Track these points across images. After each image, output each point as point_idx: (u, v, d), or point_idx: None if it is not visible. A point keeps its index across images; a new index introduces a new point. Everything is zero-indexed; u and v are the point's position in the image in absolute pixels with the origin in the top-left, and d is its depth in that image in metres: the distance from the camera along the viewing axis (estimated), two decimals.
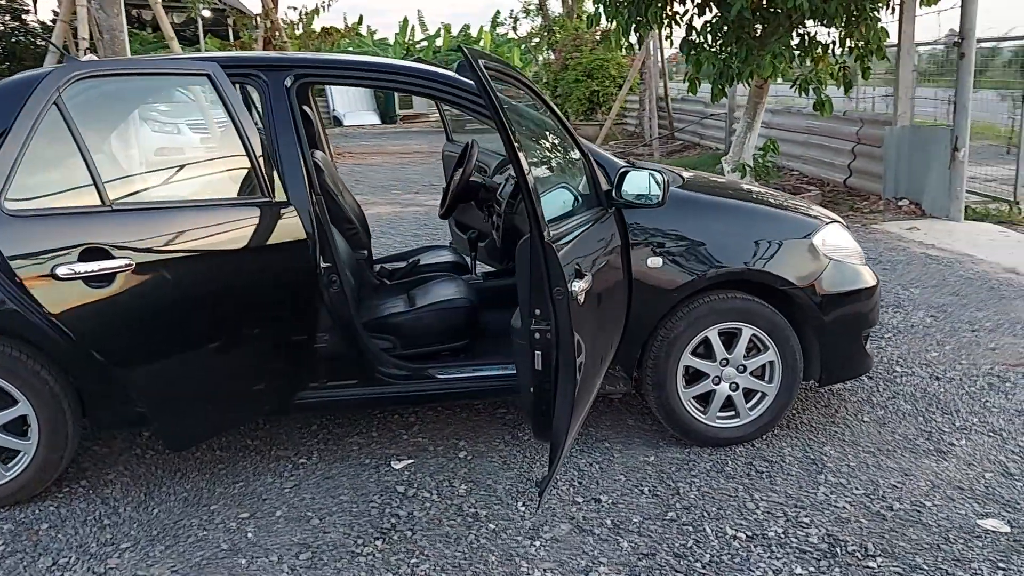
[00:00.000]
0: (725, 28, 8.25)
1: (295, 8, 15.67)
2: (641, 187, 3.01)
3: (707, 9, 9.04)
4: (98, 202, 2.55)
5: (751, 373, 3.34)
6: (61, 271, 2.45)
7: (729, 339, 3.31)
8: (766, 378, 3.36)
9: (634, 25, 8.87)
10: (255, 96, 2.94)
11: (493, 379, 3.29)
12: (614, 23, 9.20)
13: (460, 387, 3.28)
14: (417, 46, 34.40)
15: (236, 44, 17.89)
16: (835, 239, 3.43)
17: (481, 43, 33.52)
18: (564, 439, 2.35)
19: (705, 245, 3.22)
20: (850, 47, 8.48)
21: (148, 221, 2.64)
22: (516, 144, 2.23)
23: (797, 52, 8.28)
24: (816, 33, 8.37)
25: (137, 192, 2.66)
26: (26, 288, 2.45)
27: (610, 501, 3.01)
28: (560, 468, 2.43)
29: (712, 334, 3.28)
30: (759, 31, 8.41)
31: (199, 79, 2.88)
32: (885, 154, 9.05)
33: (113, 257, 2.53)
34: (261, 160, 2.91)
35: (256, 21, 16.47)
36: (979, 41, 8.37)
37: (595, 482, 3.15)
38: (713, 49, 8.37)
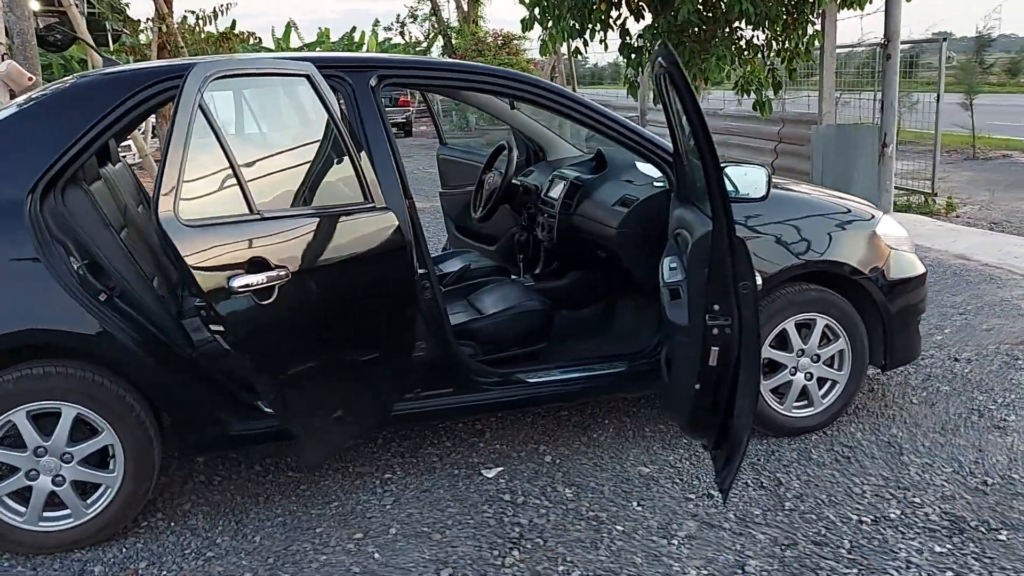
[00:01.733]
0: (669, 32, 8.42)
1: (193, 12, 14.95)
2: (744, 182, 3.04)
3: (641, 15, 9.24)
4: (246, 210, 2.39)
5: (823, 362, 3.44)
6: (236, 283, 2.28)
7: (802, 330, 3.39)
8: (836, 366, 3.46)
9: (577, 31, 8.96)
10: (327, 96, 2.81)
11: (581, 380, 3.27)
12: (552, 28, 9.28)
13: (551, 391, 3.24)
14: (301, 52, 33.73)
15: (126, 49, 17.02)
16: (892, 228, 3.58)
17: (365, 48, 33.16)
18: (747, 434, 2.36)
19: (787, 238, 3.29)
20: (778, 50, 8.84)
21: (289, 229, 2.49)
22: (710, 145, 2.22)
23: (737, 55, 8.57)
24: (754, 36, 8.69)
25: (271, 198, 2.50)
26: (210, 302, 2.27)
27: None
28: (738, 467, 2.42)
29: (790, 325, 3.35)
30: (700, 34, 8.65)
31: (299, 79, 2.75)
32: (812, 152, 9.48)
33: (272, 268, 2.38)
34: (362, 163, 2.80)
35: (148, 24, 15.72)
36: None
37: (696, 477, 3.17)
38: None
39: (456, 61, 3.45)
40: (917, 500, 2.96)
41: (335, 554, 2.76)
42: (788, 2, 8.15)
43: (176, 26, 15.39)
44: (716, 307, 2.33)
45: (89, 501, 2.82)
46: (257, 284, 2.30)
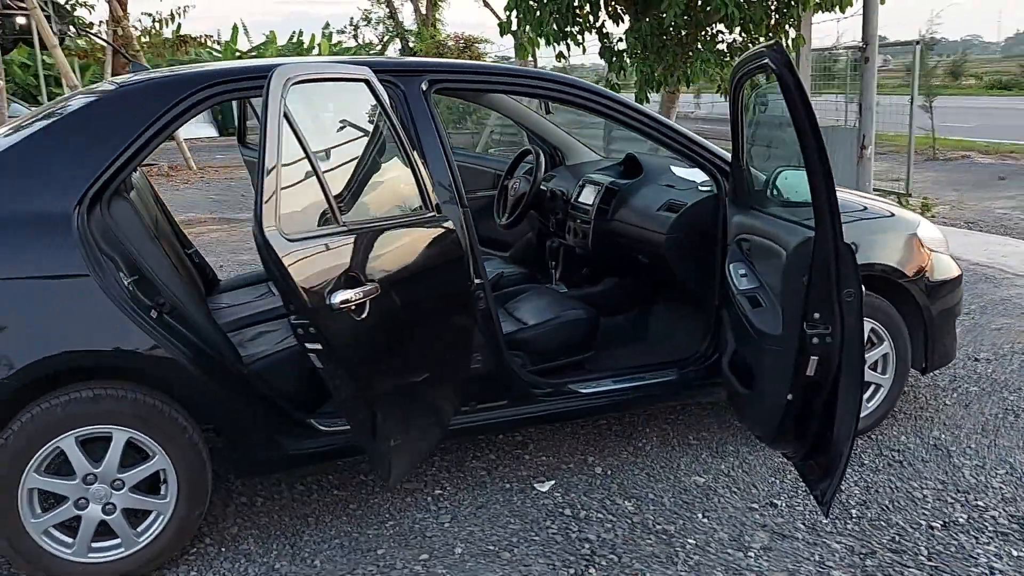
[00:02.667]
0: (653, 35, 8.43)
1: (149, 15, 14.49)
2: (795, 187, 3.00)
3: (620, 19, 9.25)
4: (334, 222, 2.28)
5: (867, 366, 3.43)
6: (336, 299, 2.16)
7: None
8: (879, 370, 3.46)
9: (560, 35, 8.93)
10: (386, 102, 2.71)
11: (632, 390, 3.21)
12: (532, 32, 9.24)
13: (604, 401, 3.18)
14: (249, 55, 33.38)
15: (77, 54, 16.55)
16: (930, 232, 3.59)
17: (316, 51, 32.83)
18: (849, 444, 2.32)
19: None
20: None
21: (371, 241, 2.39)
22: (821, 152, 2.17)
23: (719, 58, 8.61)
24: (735, 40, 8.74)
25: (349, 209, 2.40)
26: (315, 319, 2.16)
27: (784, 504, 3.01)
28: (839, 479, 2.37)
29: None
30: (682, 38, 8.67)
31: (358, 84, 2.65)
32: None
33: (364, 282, 2.27)
34: (422, 171, 2.71)
35: (101, 28, 15.29)
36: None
37: (752, 486, 3.14)
38: (641, 56, 8.56)
39: (504, 65, 3.37)
40: (980, 503, 2.96)
41: (418, 572, 2.66)
42: (771, 5, 8.21)
43: (131, 29, 14.99)
44: (816, 316, 2.29)
45: (140, 529, 2.68)
46: (355, 299, 2.20)
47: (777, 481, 3.16)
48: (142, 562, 2.68)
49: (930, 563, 2.63)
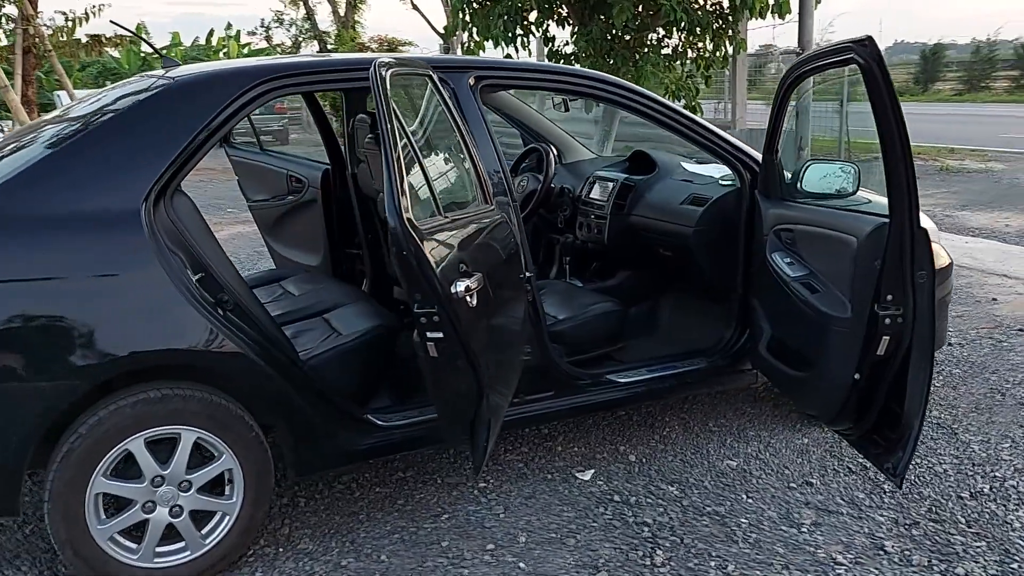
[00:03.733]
0: (602, 39, 8.61)
1: (63, 13, 13.89)
2: (826, 180, 3.14)
3: (567, 23, 9.42)
4: (437, 213, 2.30)
5: None
6: (459, 288, 2.18)
7: None
8: None
9: (509, 37, 9.04)
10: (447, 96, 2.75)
11: (668, 378, 3.31)
12: (479, 35, 9.33)
13: (642, 389, 3.26)
14: (153, 56, 32.45)
15: None
16: (925, 220, 3.80)
17: (224, 53, 32.11)
18: (918, 420, 2.46)
19: None
20: (694, 57, 9.20)
21: (466, 232, 2.41)
22: (905, 143, 2.30)
23: (665, 62, 8.86)
24: (679, 44, 9.01)
25: (442, 201, 2.41)
26: (445, 306, 2.18)
27: (819, 482, 3.15)
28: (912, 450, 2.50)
29: None
30: (629, 42, 8.89)
31: (425, 79, 2.67)
32: None
33: (472, 272, 2.29)
34: (480, 164, 2.75)
35: (10, 27, 14.58)
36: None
37: (783, 467, 3.27)
38: (591, 59, 8.73)
39: (546, 63, 3.42)
40: (997, 475, 3.17)
41: (477, 567, 2.69)
42: (717, 11, 8.50)
43: (43, 28, 14.36)
44: (889, 297, 2.42)
45: (204, 532, 2.63)
46: (474, 287, 2.22)
47: (804, 461, 3.31)
48: (207, 565, 2.63)
49: (971, 530, 2.80)
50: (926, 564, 2.62)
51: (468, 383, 2.37)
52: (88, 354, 2.36)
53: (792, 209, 3.00)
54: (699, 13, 8.18)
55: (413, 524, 2.95)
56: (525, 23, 9.19)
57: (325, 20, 24.37)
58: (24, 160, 2.49)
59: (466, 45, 9.80)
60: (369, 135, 3.27)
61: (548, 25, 9.53)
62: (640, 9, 8.40)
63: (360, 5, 21.68)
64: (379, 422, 2.85)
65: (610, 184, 3.93)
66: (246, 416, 2.62)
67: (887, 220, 2.42)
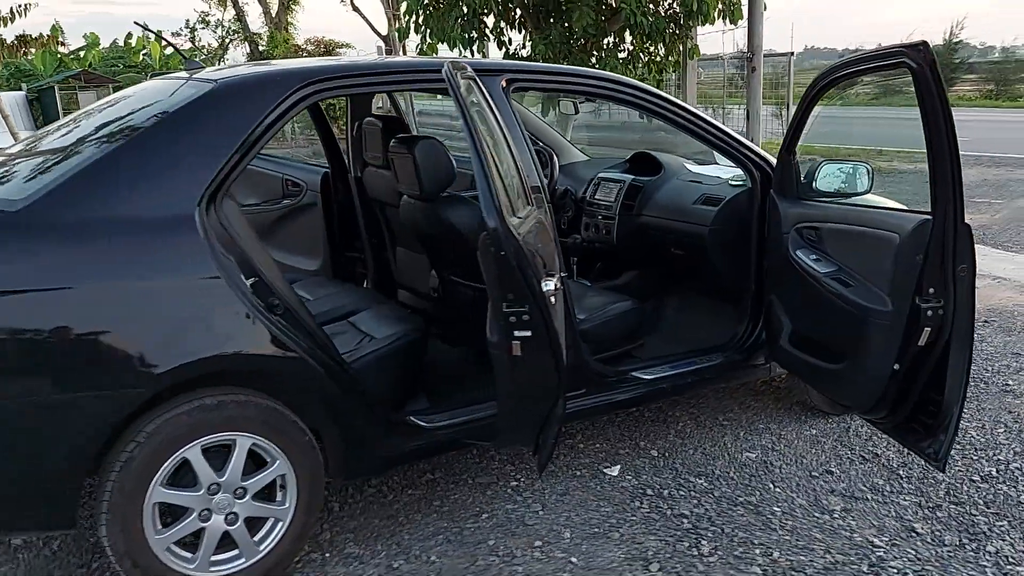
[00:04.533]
0: (561, 42, 8.72)
1: None
2: (841, 179, 3.26)
3: (524, 27, 9.51)
4: (512, 213, 2.33)
5: None
6: (547, 287, 2.21)
7: None
8: None
9: (467, 41, 9.09)
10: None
11: (689, 374, 3.40)
12: (433, 38, 9.36)
13: (666, 385, 3.34)
14: (69, 57, 31.48)
15: None
16: None
17: (145, 54, 31.26)
18: (958, 407, 2.58)
19: None
20: (647, 61, 9.41)
21: (533, 233, 2.45)
22: (953, 142, 2.41)
23: (621, 65, 9.02)
24: (635, 47, 9.18)
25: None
26: (539, 305, 2.25)
27: (838, 471, 3.28)
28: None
29: None
30: (584, 45, 9.03)
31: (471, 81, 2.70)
32: None
33: (552, 273, 2.33)
34: (521, 165, 2.79)
35: None
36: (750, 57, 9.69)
37: (801, 457, 3.39)
38: (550, 62, 8.82)
39: (574, 67, 3.48)
40: (1000, 458, 3.34)
41: (529, 563, 2.73)
42: (670, 17, 8.69)
43: None
44: (931, 290, 2.54)
45: (258, 539, 2.60)
46: (558, 287, 2.26)
47: (819, 451, 3.44)
48: (262, 572, 2.61)
49: (991, 511, 2.96)
50: (958, 544, 2.76)
51: (550, 381, 2.41)
52: (151, 360, 2.32)
53: (814, 208, 3.11)
54: (655, 19, 8.36)
55: (455, 524, 2.97)
56: (482, 26, 9.24)
57: (256, 21, 23.93)
58: (70, 166, 2.43)
59: (419, 48, 9.78)
60: (395, 138, 3.27)
61: (503, 29, 9.61)
62: (598, 15, 8.53)
63: (293, 6, 21.40)
64: (423, 424, 2.86)
65: (617, 185, 4.01)
66: (299, 421, 2.61)
67: (930, 217, 2.54)
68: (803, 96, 3.13)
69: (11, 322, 2.19)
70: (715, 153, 4.06)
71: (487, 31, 9.49)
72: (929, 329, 2.56)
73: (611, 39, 8.98)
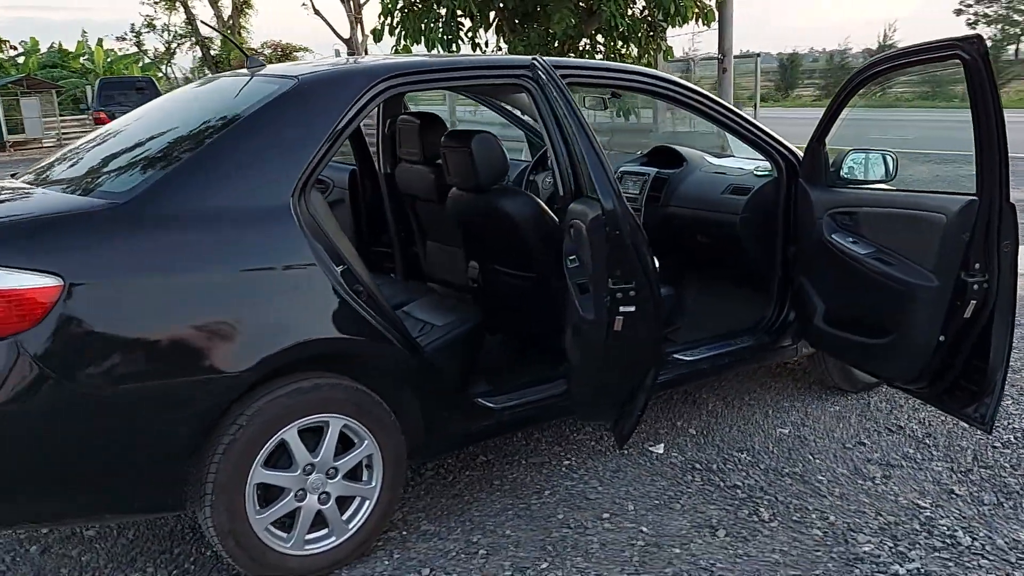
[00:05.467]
0: (541, 44, 8.89)
1: None
2: (868, 167, 3.45)
3: (501, 29, 9.66)
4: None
5: None
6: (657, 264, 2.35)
7: None
8: None
9: (445, 42, 9.20)
10: None
11: (726, 356, 3.57)
12: (408, 40, 9.46)
13: (707, 366, 3.50)
14: (8, 63, 30.87)
15: None
16: None
17: (86, 59, 30.70)
18: (1001, 373, 2.78)
19: None
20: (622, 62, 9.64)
21: None
22: (1003, 130, 2.61)
23: None
24: (608, 50, 9.39)
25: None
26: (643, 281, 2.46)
27: (870, 442, 3.48)
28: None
29: None
30: (561, 46, 9.20)
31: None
32: None
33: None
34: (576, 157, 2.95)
35: None
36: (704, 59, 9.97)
37: (831, 431, 3.59)
38: None
39: (618, 64, 3.62)
40: (1016, 427, 3.57)
41: (602, 534, 2.86)
42: (645, 19, 8.92)
43: None
44: (977, 266, 2.74)
45: (346, 517, 2.70)
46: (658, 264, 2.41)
47: (847, 425, 3.64)
48: (350, 550, 2.70)
49: (1018, 472, 3.18)
50: (996, 502, 2.97)
51: (647, 353, 2.54)
52: (257, 344, 2.41)
53: (845, 194, 3.31)
54: (635, 22, 8.58)
55: (520, 501, 3.09)
56: (459, 28, 9.36)
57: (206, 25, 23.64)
58: (168, 159, 2.50)
59: (393, 50, 9.85)
60: (448, 133, 3.38)
61: (479, 32, 9.74)
62: (576, 17, 8.72)
63: (247, 9, 21.22)
64: (490, 405, 2.98)
65: (641, 178, 4.17)
66: (383, 403, 2.70)
67: (975, 198, 2.74)
68: (840, 89, 3.32)
69: (128, 309, 2.26)
70: (732, 145, 4.26)
71: (462, 33, 9.60)
72: (975, 302, 2.76)
73: (586, 40, 9.16)
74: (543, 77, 2.40)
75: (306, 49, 18.05)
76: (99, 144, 3.01)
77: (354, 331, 2.60)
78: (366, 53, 15.52)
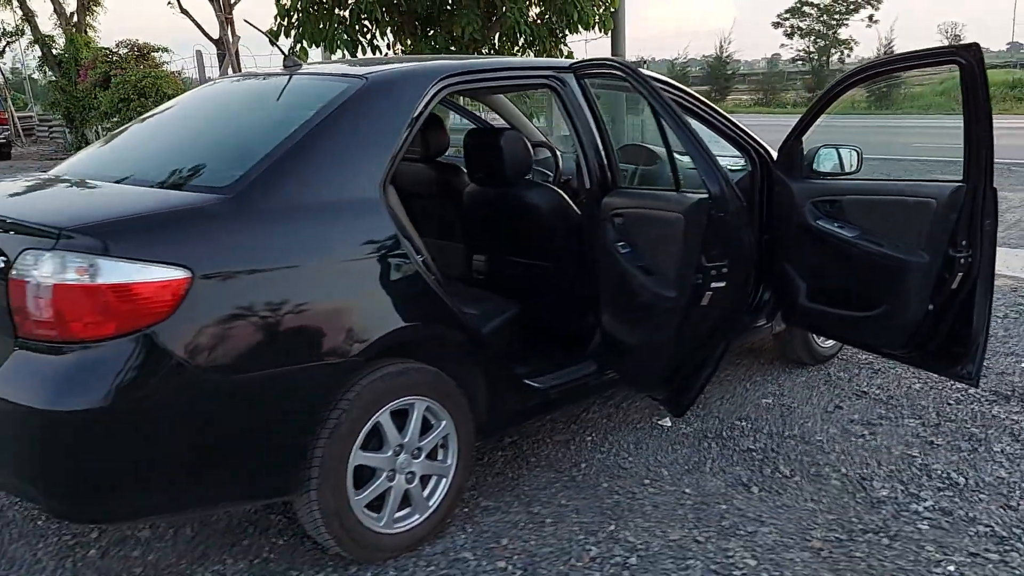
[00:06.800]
0: (446, 47, 9.05)
1: None
2: (840, 160, 3.87)
3: (401, 32, 9.75)
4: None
5: None
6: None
7: None
8: None
9: (350, 44, 9.20)
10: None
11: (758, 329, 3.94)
12: (307, 41, 9.41)
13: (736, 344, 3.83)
14: None
15: None
16: None
17: None
18: (983, 335, 3.21)
19: None
20: None
21: None
22: (990, 129, 3.02)
23: None
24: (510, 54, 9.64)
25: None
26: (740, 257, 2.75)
27: (847, 405, 3.90)
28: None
29: None
30: (464, 51, 9.39)
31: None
32: None
33: None
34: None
35: None
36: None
37: (808, 399, 3.99)
38: None
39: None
40: (958, 386, 4.09)
41: (651, 496, 3.11)
42: (547, 24, 9.24)
43: None
44: (963, 242, 3.16)
45: (426, 495, 2.83)
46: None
47: (818, 393, 4.06)
48: (431, 527, 2.84)
49: (978, 423, 3.67)
50: (971, 448, 3.44)
51: (728, 326, 2.80)
52: (364, 330, 2.52)
53: (824, 185, 3.70)
54: (539, 28, 8.88)
55: (562, 474, 3.30)
56: (363, 31, 9.38)
57: (47, 22, 22.26)
58: (262, 154, 2.56)
59: (290, 50, 9.75)
60: (472, 131, 3.54)
61: (375, 35, 9.78)
62: (483, 21, 8.92)
63: (94, 7, 20.15)
64: (537, 385, 3.17)
65: (624, 175, 4.44)
66: (457, 384, 2.85)
67: (963, 184, 3.16)
68: (829, 88, 3.69)
69: (249, 299, 2.32)
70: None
71: (363, 36, 9.61)
72: (961, 275, 3.19)
73: (488, 46, 9.39)
74: (634, 69, 2.64)
75: (165, 49, 17.34)
76: (142, 141, 3.00)
77: (437, 317, 2.74)
78: (237, 55, 15.14)
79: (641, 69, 2.87)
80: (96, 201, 2.51)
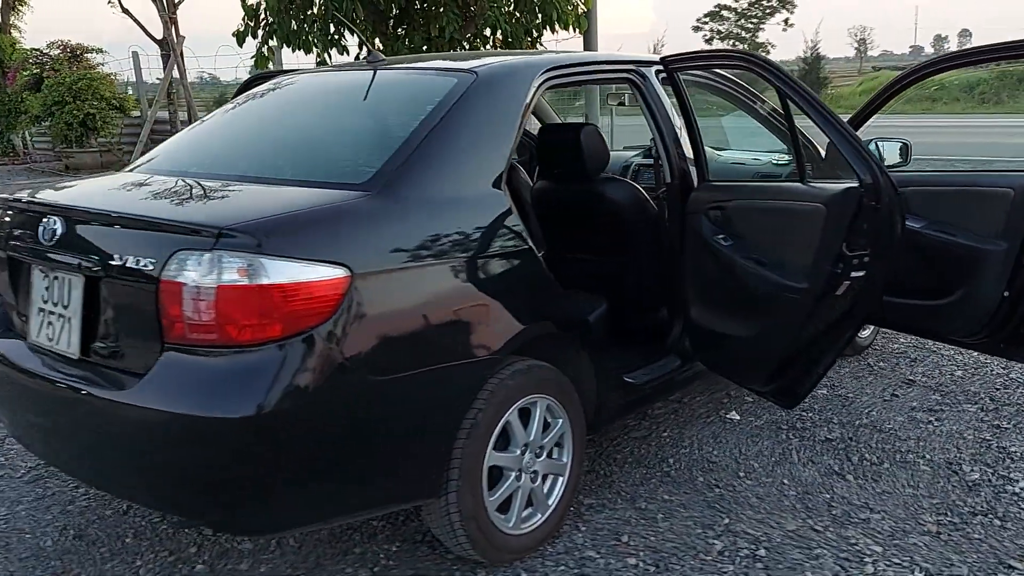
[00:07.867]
0: (426, 47, 8.97)
1: None
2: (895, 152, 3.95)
3: (376, 31, 9.63)
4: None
5: None
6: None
7: None
8: None
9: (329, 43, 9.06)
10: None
11: None
12: (277, 41, 9.25)
13: None
14: None
15: None
16: None
17: None
18: None
19: None
20: None
21: None
22: None
23: None
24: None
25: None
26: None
27: (901, 393, 3.98)
28: None
29: None
30: (443, 49, 9.32)
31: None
32: None
33: None
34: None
35: None
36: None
37: (862, 391, 4.06)
38: None
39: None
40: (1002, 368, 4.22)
41: (752, 487, 3.11)
42: (527, 24, 9.24)
43: None
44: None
45: (545, 493, 2.77)
46: None
47: (871, 384, 4.12)
48: (552, 527, 2.78)
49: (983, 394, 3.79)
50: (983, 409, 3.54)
51: (860, 313, 2.81)
52: (503, 327, 2.46)
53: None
54: (515, 26, 8.87)
55: (654, 470, 3.27)
56: (339, 32, 9.22)
57: None
58: (391, 149, 2.47)
59: (258, 51, 9.52)
60: (547, 125, 3.49)
61: (342, 35, 9.62)
62: (462, 20, 8.87)
63: (20, 7, 19.27)
64: (633, 381, 3.14)
65: (652, 170, 4.44)
66: (572, 382, 2.81)
67: None
68: (893, 81, 3.76)
69: (401, 297, 2.24)
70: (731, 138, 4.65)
71: (335, 36, 9.45)
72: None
73: (466, 43, 9.33)
74: (774, 64, 2.65)
75: (99, 50, 16.69)
76: (241, 136, 2.89)
77: (559, 314, 2.69)
78: (182, 55, 14.70)
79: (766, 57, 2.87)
80: (244, 200, 2.37)
